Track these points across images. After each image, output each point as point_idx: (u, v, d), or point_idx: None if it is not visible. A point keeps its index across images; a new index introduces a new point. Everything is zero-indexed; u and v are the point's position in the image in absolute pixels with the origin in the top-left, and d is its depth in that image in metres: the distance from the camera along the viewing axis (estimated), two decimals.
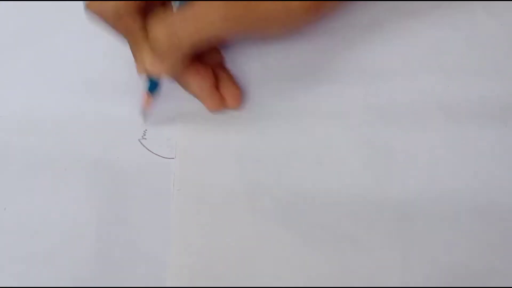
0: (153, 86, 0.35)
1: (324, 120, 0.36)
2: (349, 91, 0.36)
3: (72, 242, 0.34)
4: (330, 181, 0.34)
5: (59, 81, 0.39)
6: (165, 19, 0.32)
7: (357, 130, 0.35)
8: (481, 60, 0.37)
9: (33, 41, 0.40)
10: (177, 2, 0.34)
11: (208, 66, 0.36)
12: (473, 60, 0.37)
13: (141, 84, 0.36)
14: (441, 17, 0.38)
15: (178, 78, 0.35)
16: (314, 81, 0.37)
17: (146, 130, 0.37)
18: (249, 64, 0.38)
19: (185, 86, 0.36)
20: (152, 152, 0.36)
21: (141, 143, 0.36)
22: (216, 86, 0.36)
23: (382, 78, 0.37)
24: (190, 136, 0.36)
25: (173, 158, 0.36)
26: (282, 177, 0.35)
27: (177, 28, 0.32)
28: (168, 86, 0.37)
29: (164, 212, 0.34)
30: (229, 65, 0.38)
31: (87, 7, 0.33)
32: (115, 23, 0.33)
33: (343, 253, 0.33)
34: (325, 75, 0.37)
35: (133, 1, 0.32)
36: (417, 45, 0.37)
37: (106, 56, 0.39)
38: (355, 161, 0.35)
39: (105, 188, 0.35)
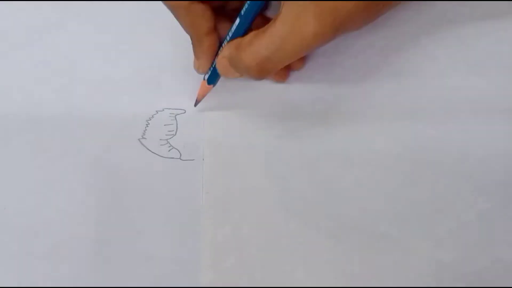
0: (213, 78, 0.36)
1: (353, 119, 0.36)
2: (378, 91, 0.37)
3: (71, 242, 0.34)
4: (360, 179, 0.35)
5: (58, 80, 0.39)
6: (251, 44, 0.32)
7: (386, 128, 0.36)
8: (509, 57, 0.37)
9: (33, 40, 0.41)
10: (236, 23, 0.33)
11: None
12: (501, 57, 0.37)
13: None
14: (469, 15, 0.38)
15: None
16: (343, 82, 0.37)
17: (145, 129, 0.37)
18: None
19: None
20: (152, 152, 0.36)
21: (141, 143, 0.37)
22: None
23: (411, 77, 0.37)
24: (218, 139, 0.36)
25: (172, 157, 0.36)
26: (313, 177, 0.35)
27: (269, 53, 0.31)
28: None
29: (164, 212, 0.34)
30: None
31: None
32: (185, 16, 0.33)
33: (375, 252, 0.33)
34: (354, 75, 0.38)
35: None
36: (444, 43, 0.38)
37: (106, 55, 0.40)
38: (385, 159, 0.35)
39: (104, 187, 0.35)
